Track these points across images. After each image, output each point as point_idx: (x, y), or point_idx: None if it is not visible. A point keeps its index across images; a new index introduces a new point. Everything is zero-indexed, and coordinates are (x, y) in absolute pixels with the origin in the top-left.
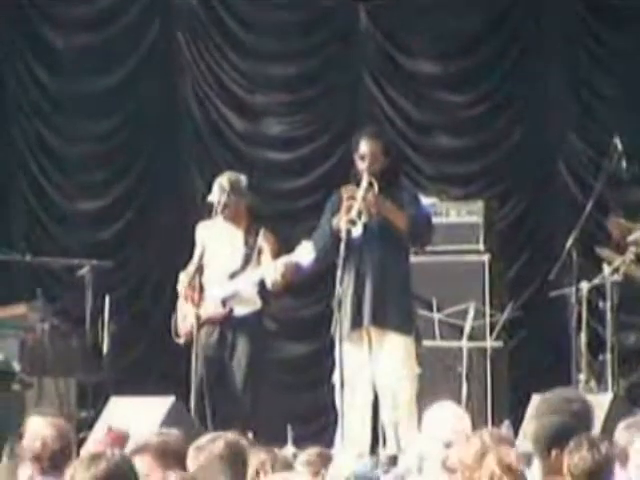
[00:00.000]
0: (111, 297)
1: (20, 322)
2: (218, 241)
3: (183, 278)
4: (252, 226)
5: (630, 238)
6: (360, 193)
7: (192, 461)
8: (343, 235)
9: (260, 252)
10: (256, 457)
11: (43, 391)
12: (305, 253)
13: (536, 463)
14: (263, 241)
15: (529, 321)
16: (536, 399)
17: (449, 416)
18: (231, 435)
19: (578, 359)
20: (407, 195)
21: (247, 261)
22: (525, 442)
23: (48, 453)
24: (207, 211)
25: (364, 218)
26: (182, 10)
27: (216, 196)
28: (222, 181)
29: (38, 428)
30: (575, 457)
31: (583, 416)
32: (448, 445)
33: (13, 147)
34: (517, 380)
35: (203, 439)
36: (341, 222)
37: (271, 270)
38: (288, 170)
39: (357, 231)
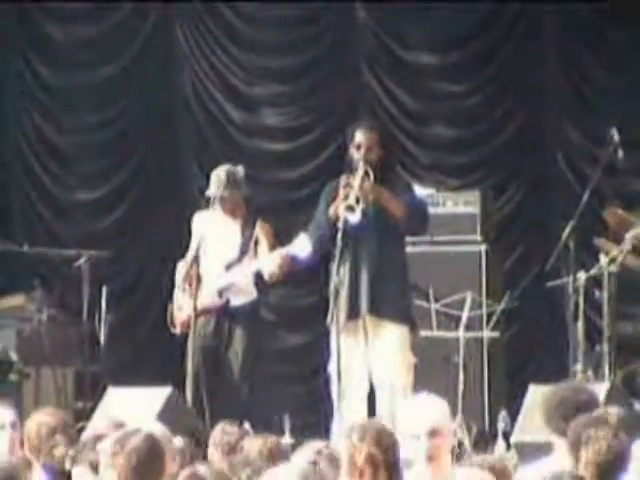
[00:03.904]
0: (108, 287)
1: (18, 313)
2: (215, 232)
3: (181, 268)
4: (249, 217)
5: (628, 235)
6: (357, 181)
7: (112, 456)
8: (340, 224)
9: (257, 243)
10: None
11: (40, 381)
12: (302, 246)
13: (559, 448)
14: (260, 232)
15: (526, 311)
16: (534, 390)
17: (426, 407)
18: (149, 430)
19: (575, 349)
20: (401, 185)
21: (244, 252)
22: (521, 433)
23: (53, 441)
24: (205, 203)
25: (362, 205)
26: (179, 2)
27: (213, 189)
28: (219, 174)
29: (42, 418)
30: (594, 446)
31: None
32: (432, 434)
33: (10, 138)
34: (514, 370)
35: (121, 433)
36: (339, 209)
37: (268, 262)
38: (285, 160)
39: (355, 218)
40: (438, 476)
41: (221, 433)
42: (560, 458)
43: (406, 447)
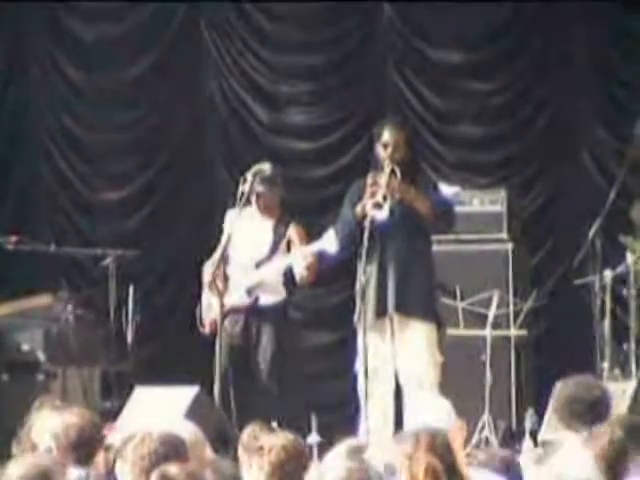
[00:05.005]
0: (135, 287)
1: (45, 312)
2: (246, 230)
3: (208, 268)
4: (283, 218)
5: None
6: (384, 179)
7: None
8: (367, 222)
9: (289, 244)
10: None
11: (67, 381)
12: (330, 242)
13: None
14: (293, 234)
15: (553, 309)
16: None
17: (429, 408)
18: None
19: (602, 347)
20: (427, 184)
21: (274, 251)
22: (549, 432)
23: (84, 441)
24: (239, 201)
25: (389, 203)
26: (206, 1)
27: (248, 187)
28: (256, 172)
29: (70, 418)
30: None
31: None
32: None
33: (37, 137)
34: (541, 369)
35: (138, 435)
36: (366, 207)
37: (297, 260)
38: (311, 159)
39: (383, 215)
40: None
41: (251, 437)
42: (569, 452)
43: None
